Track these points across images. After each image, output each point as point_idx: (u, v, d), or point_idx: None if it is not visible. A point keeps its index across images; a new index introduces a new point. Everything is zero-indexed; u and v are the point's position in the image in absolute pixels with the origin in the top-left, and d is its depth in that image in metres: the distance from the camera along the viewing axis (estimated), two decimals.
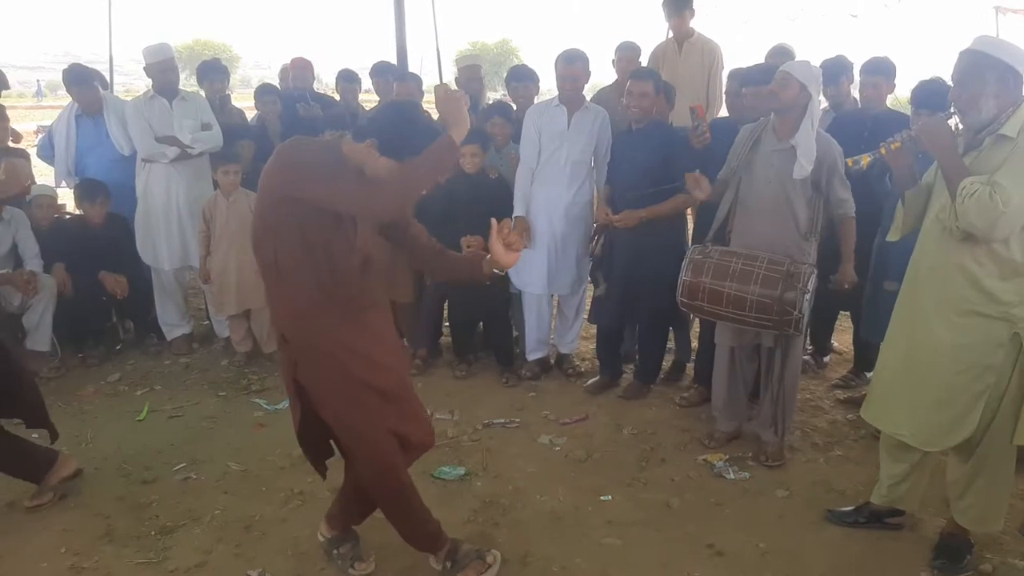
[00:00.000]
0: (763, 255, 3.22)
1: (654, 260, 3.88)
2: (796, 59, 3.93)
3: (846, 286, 3.42)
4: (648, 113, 3.93)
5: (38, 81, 40.85)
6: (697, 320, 4.24)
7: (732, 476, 3.35)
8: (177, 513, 3.10)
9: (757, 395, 3.75)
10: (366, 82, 5.82)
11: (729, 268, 3.19)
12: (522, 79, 4.72)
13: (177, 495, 3.25)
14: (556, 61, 4.20)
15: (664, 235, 3.91)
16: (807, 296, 3.09)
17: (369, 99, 6.57)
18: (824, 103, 4.18)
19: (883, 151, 2.58)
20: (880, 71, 4.00)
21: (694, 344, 4.38)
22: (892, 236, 2.82)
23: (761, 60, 4.53)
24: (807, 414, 3.96)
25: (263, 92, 5.35)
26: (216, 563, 2.79)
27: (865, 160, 2.68)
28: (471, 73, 5.38)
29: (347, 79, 5.71)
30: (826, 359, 4.67)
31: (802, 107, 3.18)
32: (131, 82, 30.52)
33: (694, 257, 3.31)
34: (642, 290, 3.97)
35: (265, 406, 4.14)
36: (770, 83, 3.29)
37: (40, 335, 4.52)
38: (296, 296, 2.31)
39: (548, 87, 4.85)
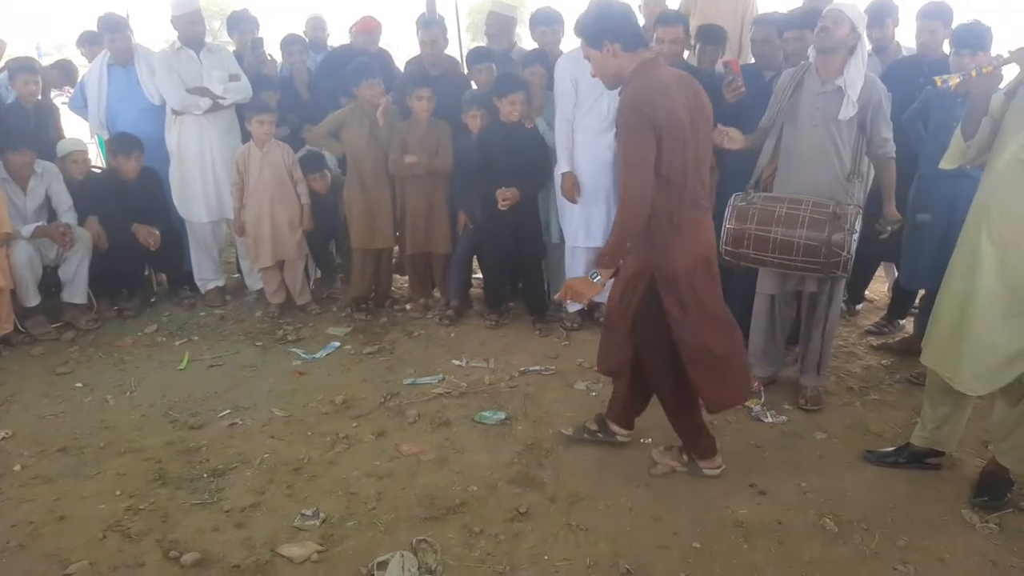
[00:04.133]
0: (807, 198, 3.20)
1: None
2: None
3: (889, 228, 3.42)
4: (679, 58, 3.91)
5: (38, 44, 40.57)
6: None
7: (770, 420, 3.39)
8: (227, 457, 3.18)
9: (792, 342, 3.79)
10: None
11: (774, 213, 3.18)
12: (550, 22, 4.62)
13: (225, 440, 3.32)
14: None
15: None
16: (854, 236, 3.09)
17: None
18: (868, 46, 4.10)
19: (973, 73, 2.56)
20: (938, 16, 3.89)
21: None
22: (947, 164, 2.80)
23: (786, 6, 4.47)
24: (841, 360, 3.99)
25: (289, 43, 5.28)
26: (270, 502, 2.86)
27: (954, 81, 2.64)
28: (503, 26, 4.96)
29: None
30: (858, 307, 4.68)
31: (850, 48, 3.15)
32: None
33: (737, 204, 3.29)
34: None
35: (303, 355, 4.20)
36: (813, 27, 3.26)
37: (76, 287, 4.58)
38: None
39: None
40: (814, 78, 3.26)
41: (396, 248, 4.95)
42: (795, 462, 3.07)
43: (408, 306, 4.90)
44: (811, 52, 3.29)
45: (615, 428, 3.16)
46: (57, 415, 3.60)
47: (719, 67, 4.33)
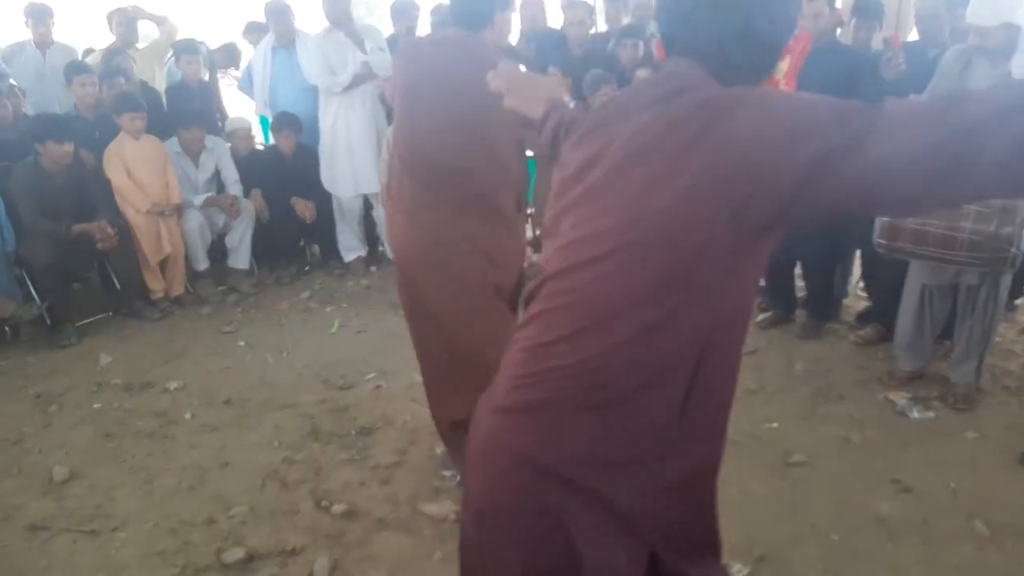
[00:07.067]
0: None
1: None
2: None
3: None
4: (825, 34, 3.77)
5: None
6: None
7: (917, 415, 3.23)
8: (373, 417, 3.39)
9: (943, 335, 3.59)
10: None
11: None
12: None
13: (371, 401, 3.54)
14: None
15: None
16: None
17: None
18: None
19: None
20: None
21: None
22: None
23: None
24: (997, 357, 3.72)
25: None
26: (412, 462, 3.03)
27: None
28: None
29: None
30: (1017, 302, 4.36)
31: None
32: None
33: None
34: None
35: None
36: None
37: (240, 254, 4.98)
38: None
39: None
40: (982, 60, 3.05)
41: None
42: (943, 461, 2.92)
43: None
44: None
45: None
46: (222, 370, 3.95)
47: (876, 43, 4.12)
